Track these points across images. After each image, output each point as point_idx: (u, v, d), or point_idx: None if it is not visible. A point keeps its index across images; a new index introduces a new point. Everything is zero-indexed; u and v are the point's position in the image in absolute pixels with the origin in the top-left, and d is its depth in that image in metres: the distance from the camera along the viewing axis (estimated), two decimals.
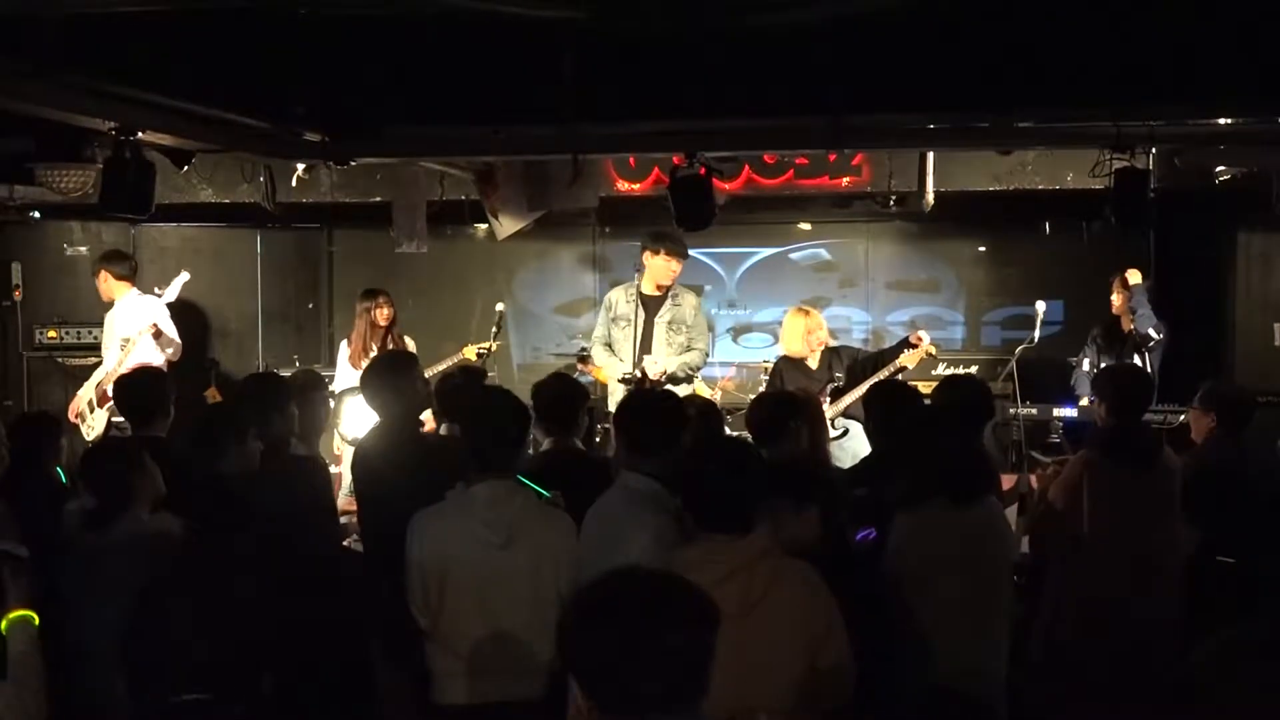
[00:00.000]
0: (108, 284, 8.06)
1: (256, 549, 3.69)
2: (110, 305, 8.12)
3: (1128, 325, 7.79)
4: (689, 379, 7.33)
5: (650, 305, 7.30)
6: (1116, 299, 7.92)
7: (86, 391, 7.89)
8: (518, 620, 3.67)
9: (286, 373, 8.20)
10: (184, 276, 8.20)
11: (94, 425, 7.71)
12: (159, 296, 8.06)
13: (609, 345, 7.41)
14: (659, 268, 7.25)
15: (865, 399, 5.85)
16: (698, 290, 7.59)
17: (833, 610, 3.16)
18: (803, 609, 3.14)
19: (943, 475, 3.97)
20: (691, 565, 2.91)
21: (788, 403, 5.01)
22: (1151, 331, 7.64)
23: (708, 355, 7.56)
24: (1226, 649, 1.80)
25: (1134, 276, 7.77)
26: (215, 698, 2.11)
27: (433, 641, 3.79)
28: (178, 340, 7.91)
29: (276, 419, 4.74)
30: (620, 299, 7.45)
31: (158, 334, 7.75)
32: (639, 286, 7.34)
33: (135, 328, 7.79)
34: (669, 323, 7.28)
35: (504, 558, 3.68)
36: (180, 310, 8.21)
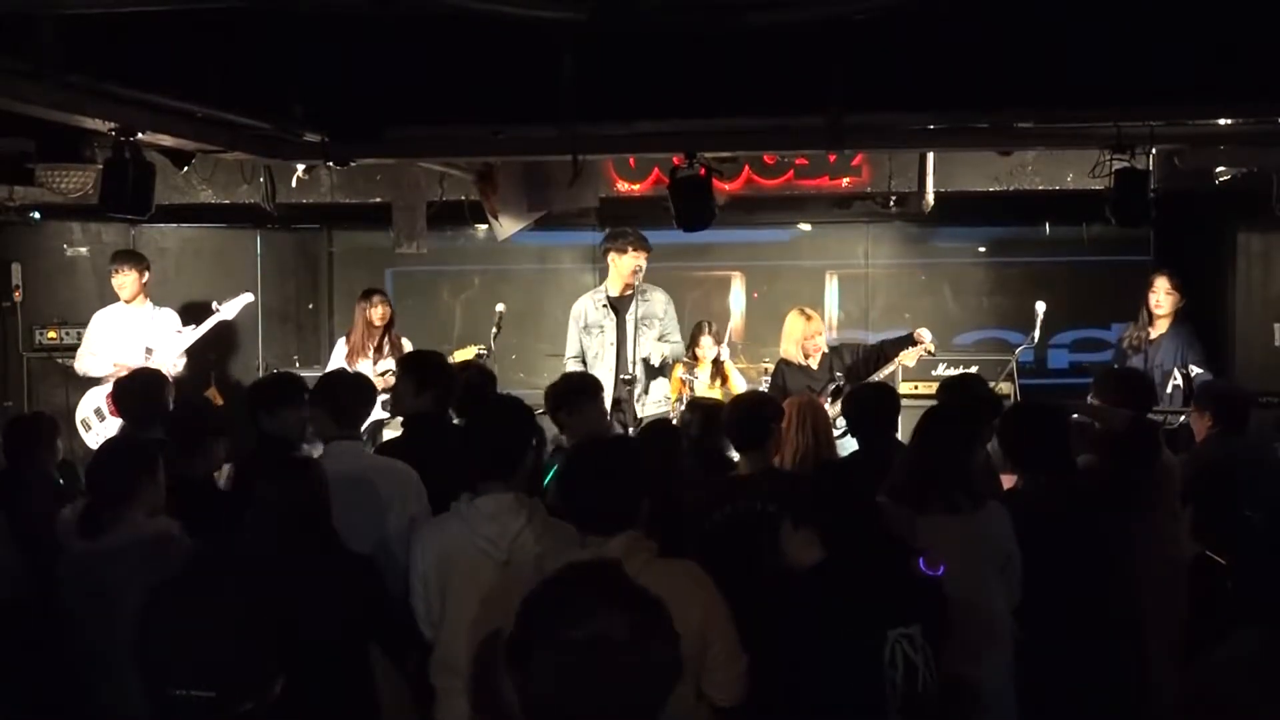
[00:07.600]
0: (136, 286, 7.95)
1: (257, 549, 3.69)
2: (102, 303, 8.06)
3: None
4: (667, 369, 7.35)
5: (620, 306, 7.29)
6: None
7: (95, 400, 7.83)
8: None
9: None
10: (246, 297, 8.19)
11: (102, 435, 7.65)
12: (217, 312, 8.03)
13: (582, 359, 7.41)
14: (627, 265, 7.30)
15: (843, 402, 5.83)
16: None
17: (716, 608, 3.18)
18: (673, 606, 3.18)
19: (936, 484, 3.97)
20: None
21: (764, 407, 4.98)
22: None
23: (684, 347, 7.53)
24: (1241, 660, 1.77)
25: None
26: (221, 695, 2.09)
27: (435, 656, 3.72)
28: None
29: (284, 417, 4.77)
30: (589, 307, 7.46)
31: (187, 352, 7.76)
32: (607, 291, 7.35)
33: (169, 340, 7.75)
34: (640, 318, 7.27)
35: (506, 573, 3.56)
36: (180, 311, 8.19)
